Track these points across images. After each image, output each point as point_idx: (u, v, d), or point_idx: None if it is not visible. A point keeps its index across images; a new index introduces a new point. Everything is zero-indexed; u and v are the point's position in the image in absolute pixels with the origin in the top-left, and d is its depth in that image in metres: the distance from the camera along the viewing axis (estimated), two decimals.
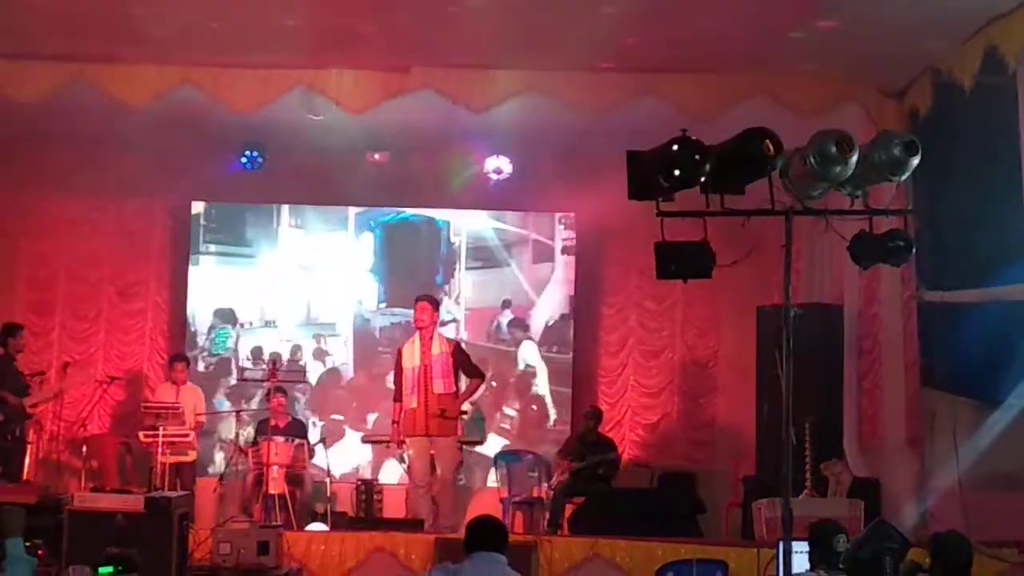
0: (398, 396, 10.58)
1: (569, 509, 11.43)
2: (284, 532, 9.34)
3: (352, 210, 13.60)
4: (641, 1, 8.60)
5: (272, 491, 10.68)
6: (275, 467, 10.74)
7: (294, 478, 11.07)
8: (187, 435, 11.53)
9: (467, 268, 13.54)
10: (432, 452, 10.48)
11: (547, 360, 13.40)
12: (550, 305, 13.53)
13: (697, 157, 5.74)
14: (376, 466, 12.81)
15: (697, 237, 6.03)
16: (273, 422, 11.25)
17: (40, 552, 8.18)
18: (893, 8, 8.45)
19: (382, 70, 10.19)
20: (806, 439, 9.90)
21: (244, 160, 12.60)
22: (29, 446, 11.29)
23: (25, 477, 10.82)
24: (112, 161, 12.38)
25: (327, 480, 11.58)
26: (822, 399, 10.65)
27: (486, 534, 5.73)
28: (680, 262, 6.08)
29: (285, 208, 13.58)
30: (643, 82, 10.02)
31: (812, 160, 5.74)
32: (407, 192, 13.14)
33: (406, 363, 10.57)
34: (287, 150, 12.29)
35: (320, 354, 13.34)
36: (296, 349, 13.38)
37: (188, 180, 12.83)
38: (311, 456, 11.58)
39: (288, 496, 10.75)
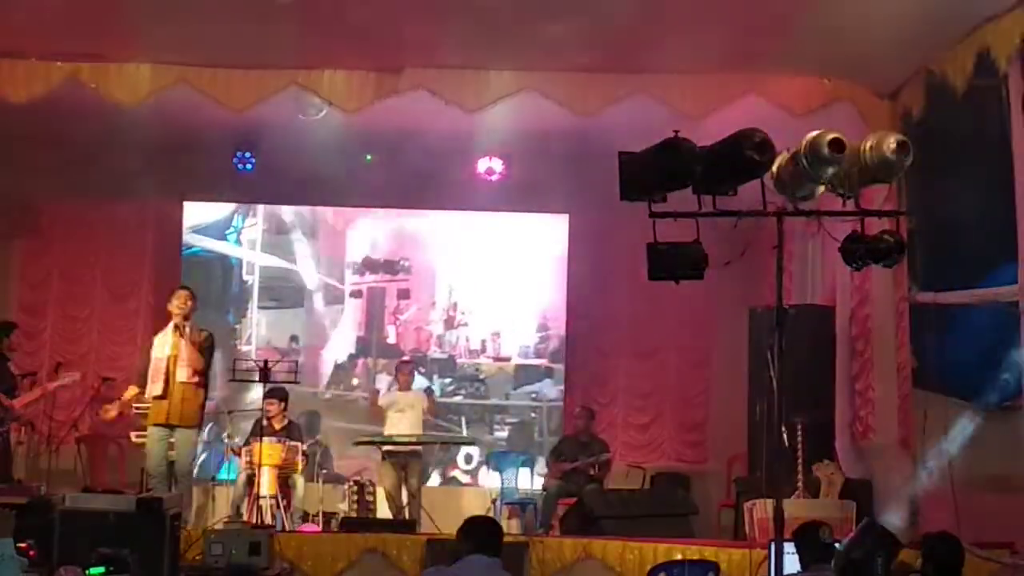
0: None
1: (561, 510, 11.44)
2: (276, 533, 9.33)
3: None
4: (633, 1, 8.60)
5: (263, 492, 10.67)
6: (266, 468, 10.72)
7: (286, 479, 11.05)
8: None
9: (260, 307, 13.55)
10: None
11: (336, 399, 13.55)
12: (339, 347, 13.68)
13: (689, 158, 5.73)
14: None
15: (689, 238, 6.02)
16: (268, 423, 11.23)
17: (31, 552, 8.15)
18: (886, 9, 8.45)
19: (375, 70, 10.19)
20: (798, 440, 9.90)
21: (236, 160, 12.59)
22: (19, 446, 11.26)
23: (16, 477, 10.77)
24: (105, 161, 12.35)
25: (319, 481, 11.57)
26: (814, 400, 10.66)
27: (479, 536, 5.69)
28: (672, 263, 6.06)
29: None
30: (635, 82, 10.03)
31: (804, 161, 5.74)
32: (399, 194, 13.13)
33: None
34: (280, 151, 12.27)
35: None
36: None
37: (181, 180, 12.82)
38: (304, 458, 11.55)
39: (280, 497, 10.73)
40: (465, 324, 13.87)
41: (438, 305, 13.94)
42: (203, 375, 10.23)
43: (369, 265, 13.91)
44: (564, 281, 13.72)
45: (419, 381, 13.04)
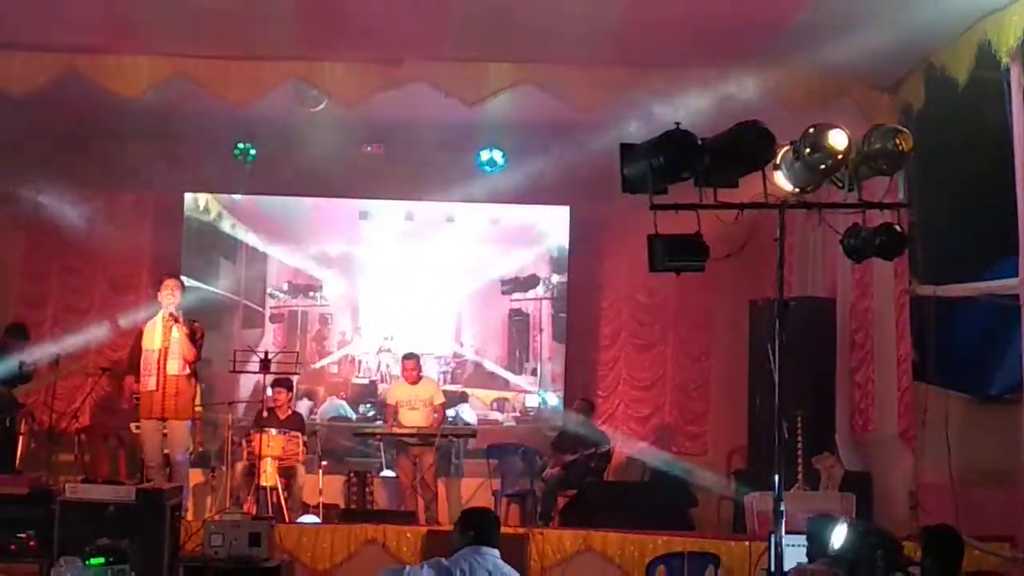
0: None
1: (561, 502, 11.44)
2: (275, 524, 9.33)
3: None
4: None
5: (264, 483, 10.67)
6: (268, 459, 10.72)
7: (287, 470, 11.05)
8: None
9: None
10: None
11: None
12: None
13: (691, 150, 5.74)
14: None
15: (690, 230, 6.02)
16: (266, 414, 11.22)
17: (31, 543, 8.18)
18: (887, 3, 8.44)
19: (375, 62, 10.17)
20: (798, 432, 9.90)
21: (236, 152, 12.57)
22: (21, 436, 11.28)
23: (17, 467, 10.79)
24: (104, 153, 12.36)
25: (319, 472, 11.57)
26: (814, 393, 10.68)
27: (477, 527, 5.70)
28: (673, 255, 6.07)
29: None
30: (636, 75, 10.01)
31: (806, 154, 5.74)
32: (399, 185, 13.11)
33: None
34: (279, 142, 12.26)
35: None
36: None
37: (180, 172, 12.81)
38: (305, 449, 11.54)
39: (280, 488, 10.73)
40: (388, 350, 13.78)
41: (361, 330, 13.86)
42: (194, 366, 10.24)
43: (291, 289, 13.85)
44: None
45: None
